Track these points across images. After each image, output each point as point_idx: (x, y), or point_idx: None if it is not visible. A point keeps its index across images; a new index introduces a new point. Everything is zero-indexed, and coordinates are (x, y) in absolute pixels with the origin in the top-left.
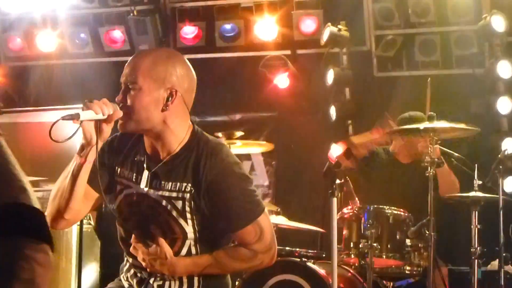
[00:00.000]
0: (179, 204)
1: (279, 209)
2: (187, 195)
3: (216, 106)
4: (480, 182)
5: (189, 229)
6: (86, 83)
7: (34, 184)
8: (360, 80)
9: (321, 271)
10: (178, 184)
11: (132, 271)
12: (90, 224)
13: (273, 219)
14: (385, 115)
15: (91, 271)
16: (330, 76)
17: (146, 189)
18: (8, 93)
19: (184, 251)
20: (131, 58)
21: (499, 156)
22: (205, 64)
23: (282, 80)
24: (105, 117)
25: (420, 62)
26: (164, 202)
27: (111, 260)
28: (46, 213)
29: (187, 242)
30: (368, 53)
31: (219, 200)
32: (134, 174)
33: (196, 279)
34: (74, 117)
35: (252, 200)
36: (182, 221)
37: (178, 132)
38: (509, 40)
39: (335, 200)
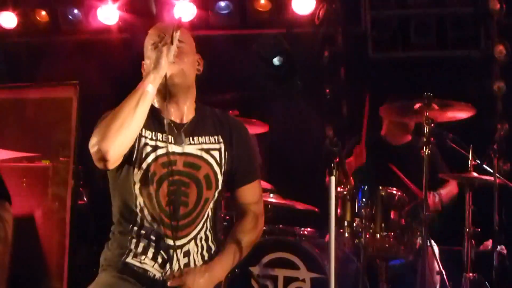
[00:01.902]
0: (216, 154)
1: (273, 188)
2: (222, 146)
3: (209, 84)
4: (475, 163)
5: (219, 183)
6: (78, 60)
7: (28, 159)
8: (354, 60)
9: (315, 250)
10: (211, 137)
11: (153, 248)
12: (83, 200)
13: (268, 197)
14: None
15: (85, 247)
16: (325, 56)
17: (182, 146)
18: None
19: (205, 214)
20: (160, 23)
21: (495, 137)
22: (198, 41)
23: (275, 59)
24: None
25: (416, 44)
26: (204, 155)
27: (104, 237)
28: (105, 146)
29: (209, 202)
30: (364, 33)
31: (244, 152)
32: (163, 135)
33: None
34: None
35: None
36: (219, 174)
37: (195, 96)
38: (505, 22)
39: (333, 179)
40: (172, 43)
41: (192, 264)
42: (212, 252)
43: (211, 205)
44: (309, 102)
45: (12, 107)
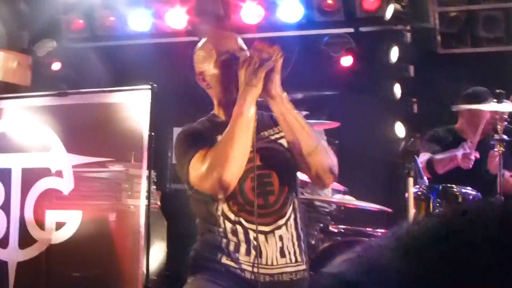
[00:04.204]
0: (283, 141)
1: (346, 189)
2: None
3: None
4: None
5: (294, 166)
6: (148, 64)
7: (100, 164)
8: (423, 57)
9: None
10: (270, 129)
11: (244, 242)
12: (156, 204)
13: (341, 198)
14: None
15: (158, 251)
16: (393, 54)
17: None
18: (70, 75)
19: (291, 199)
20: (215, 33)
21: None
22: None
23: (344, 58)
24: None
25: (484, 39)
26: (275, 145)
27: (177, 240)
28: (230, 177)
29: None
30: (432, 30)
31: None
32: None
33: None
34: None
35: None
36: (291, 158)
37: None
38: None
39: (411, 180)
40: (275, 70)
41: (285, 249)
42: (301, 240)
43: (294, 191)
44: (380, 100)
45: (85, 112)
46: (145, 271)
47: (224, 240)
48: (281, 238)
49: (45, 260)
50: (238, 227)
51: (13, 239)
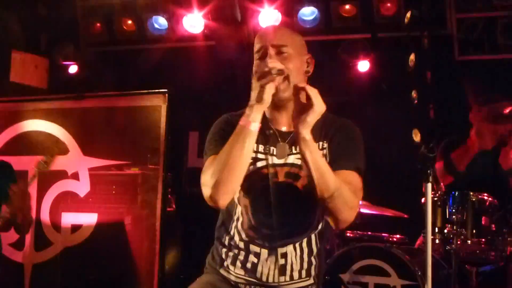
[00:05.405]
0: None
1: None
2: (326, 151)
3: None
4: None
5: None
6: (165, 68)
7: (117, 168)
8: (441, 63)
9: (406, 257)
10: (316, 143)
11: (242, 256)
12: (172, 207)
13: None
14: None
15: (173, 253)
16: (411, 60)
17: (282, 159)
18: (88, 78)
19: (309, 223)
20: (264, 28)
21: None
22: None
23: (362, 64)
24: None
25: (503, 45)
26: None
27: (192, 243)
28: (216, 195)
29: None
30: (450, 36)
31: (343, 142)
32: (265, 146)
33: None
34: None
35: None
36: None
37: None
38: None
39: (429, 185)
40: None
41: (288, 266)
42: (313, 255)
43: (317, 213)
44: (396, 106)
45: (102, 115)
46: (160, 275)
47: (225, 250)
48: (284, 255)
49: (61, 262)
50: (240, 243)
51: (29, 241)
